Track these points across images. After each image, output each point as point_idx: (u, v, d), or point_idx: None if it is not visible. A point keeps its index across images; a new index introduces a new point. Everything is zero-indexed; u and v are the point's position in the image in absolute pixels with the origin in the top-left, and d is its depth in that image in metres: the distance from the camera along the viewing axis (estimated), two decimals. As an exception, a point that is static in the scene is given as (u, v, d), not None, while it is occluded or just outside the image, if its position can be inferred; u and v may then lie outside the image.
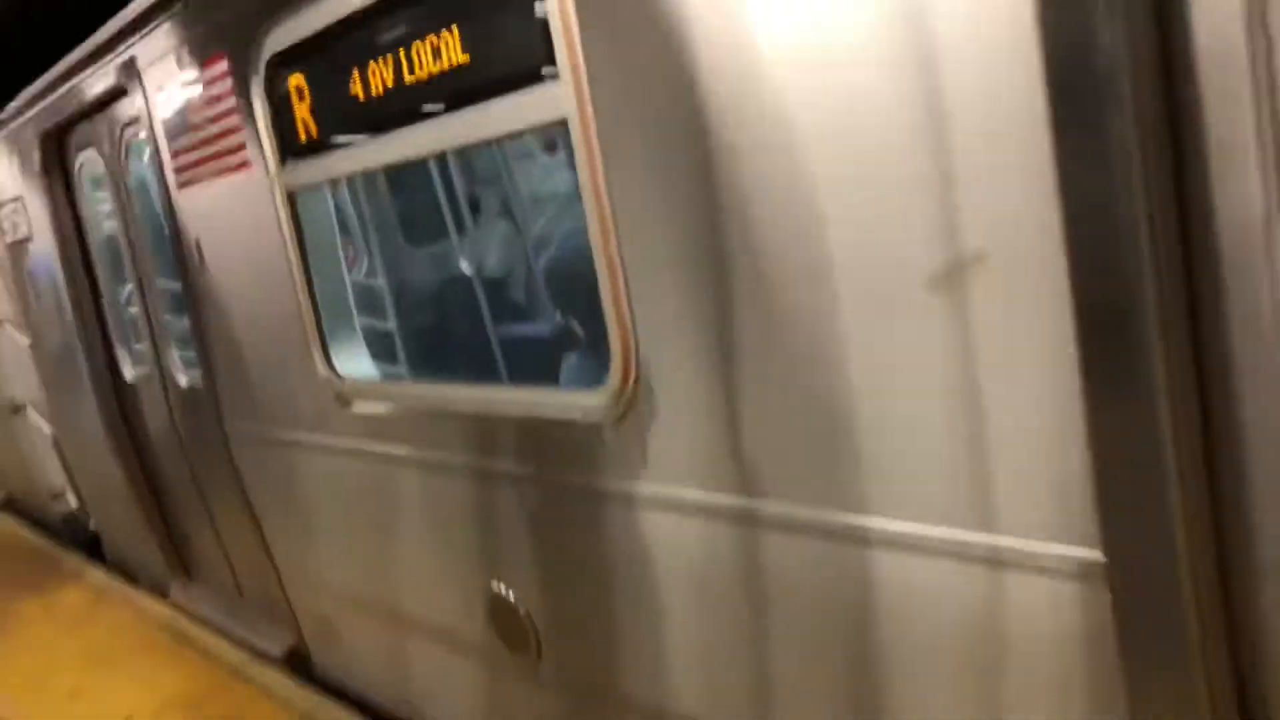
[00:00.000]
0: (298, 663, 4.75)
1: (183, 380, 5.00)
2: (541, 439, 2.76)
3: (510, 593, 3.07)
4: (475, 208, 5.48)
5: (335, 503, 3.87)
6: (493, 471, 2.96)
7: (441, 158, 4.90)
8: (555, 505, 2.79)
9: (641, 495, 2.47)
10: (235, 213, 3.86)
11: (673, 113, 2.08)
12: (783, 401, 2.05)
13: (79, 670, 5.04)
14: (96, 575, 6.41)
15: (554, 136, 4.73)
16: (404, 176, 4.99)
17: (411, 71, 2.80)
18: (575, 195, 2.37)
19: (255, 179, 3.64)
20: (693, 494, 2.33)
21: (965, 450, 1.77)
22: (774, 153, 1.92)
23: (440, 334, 5.04)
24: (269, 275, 3.76)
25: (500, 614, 3.15)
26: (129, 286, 5.57)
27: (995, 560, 1.78)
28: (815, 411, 1.99)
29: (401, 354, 4.55)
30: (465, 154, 5.00)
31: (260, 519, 4.49)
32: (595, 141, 2.27)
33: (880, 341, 1.85)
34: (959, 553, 1.83)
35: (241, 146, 3.66)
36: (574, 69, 2.27)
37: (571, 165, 2.36)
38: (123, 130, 4.80)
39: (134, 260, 5.15)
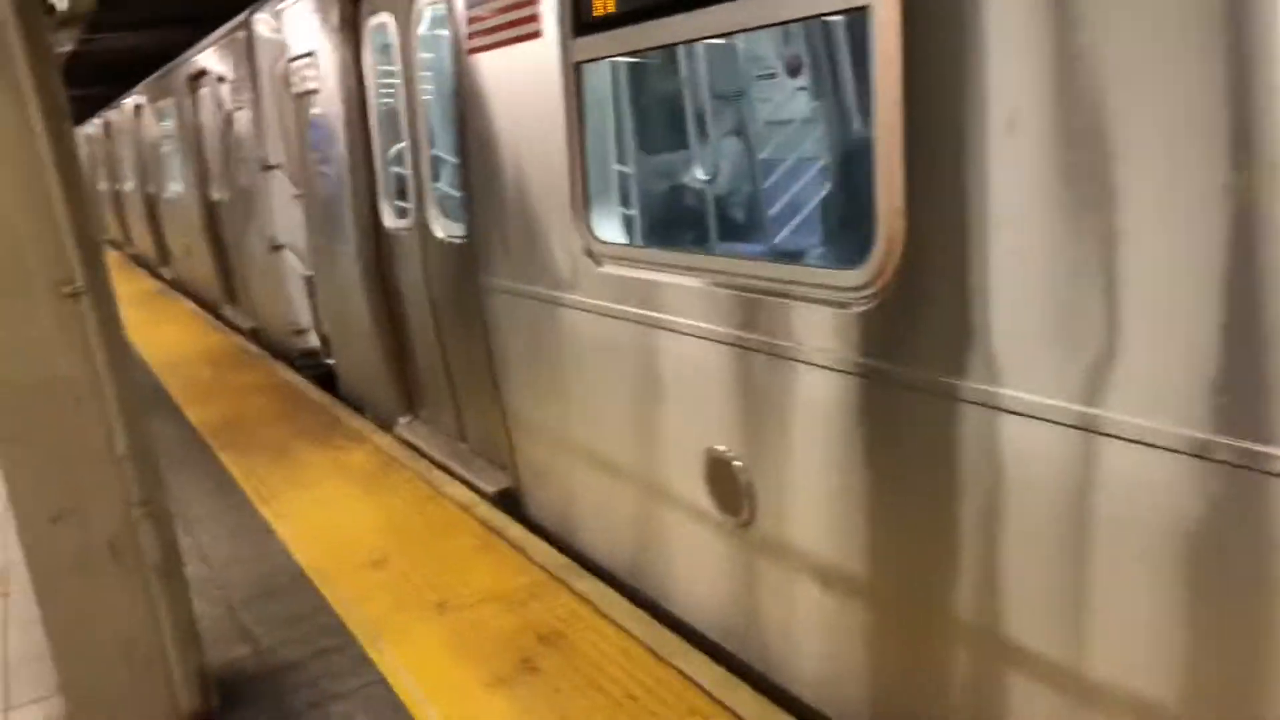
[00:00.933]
0: (510, 502, 5.24)
1: (440, 233, 5.47)
2: (790, 312, 2.95)
3: (732, 457, 3.33)
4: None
5: (572, 357, 4.22)
6: (734, 340, 3.20)
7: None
8: (792, 377, 3.00)
9: (899, 377, 2.57)
10: (521, 79, 4.19)
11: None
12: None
13: (383, 538, 4.86)
14: (381, 440, 6.45)
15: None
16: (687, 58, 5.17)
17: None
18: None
19: (544, 48, 3.95)
20: (957, 380, 2.41)
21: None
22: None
23: (693, 205, 5.30)
24: (544, 140, 4.09)
25: (718, 476, 3.43)
26: (399, 145, 6.11)
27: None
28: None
29: (652, 223, 4.78)
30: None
31: (497, 367, 4.92)
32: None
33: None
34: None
35: (535, 17, 3.97)
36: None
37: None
38: (420, -4, 5.22)
39: (411, 121, 5.61)
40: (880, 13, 2.44)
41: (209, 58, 10.09)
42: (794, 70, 8.38)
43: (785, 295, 2.94)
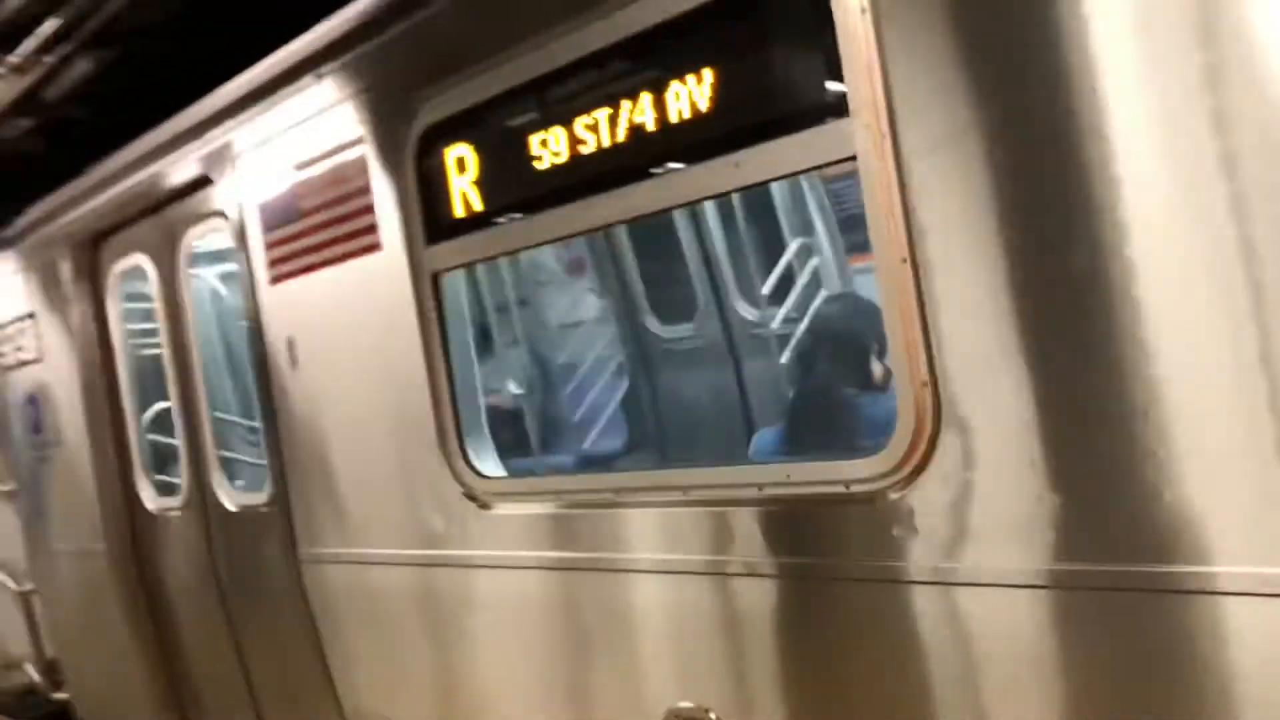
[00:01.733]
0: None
1: (231, 504, 4.51)
2: (782, 520, 2.43)
3: (710, 714, 2.66)
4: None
5: (456, 627, 3.41)
6: (705, 567, 2.60)
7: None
8: (801, 599, 2.44)
9: (942, 573, 2.12)
10: (350, 302, 3.54)
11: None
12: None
13: None
14: None
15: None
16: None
17: (628, 127, 2.58)
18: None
19: (386, 261, 3.34)
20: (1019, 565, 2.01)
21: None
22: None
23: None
24: (388, 370, 3.43)
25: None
26: (159, 407, 5.14)
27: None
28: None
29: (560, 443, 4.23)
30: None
31: (331, 659, 3.96)
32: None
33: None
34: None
35: (371, 229, 3.37)
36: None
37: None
38: (189, 228, 4.46)
39: (182, 378, 4.70)
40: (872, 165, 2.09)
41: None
42: (576, 271, 8.18)
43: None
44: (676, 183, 2.52)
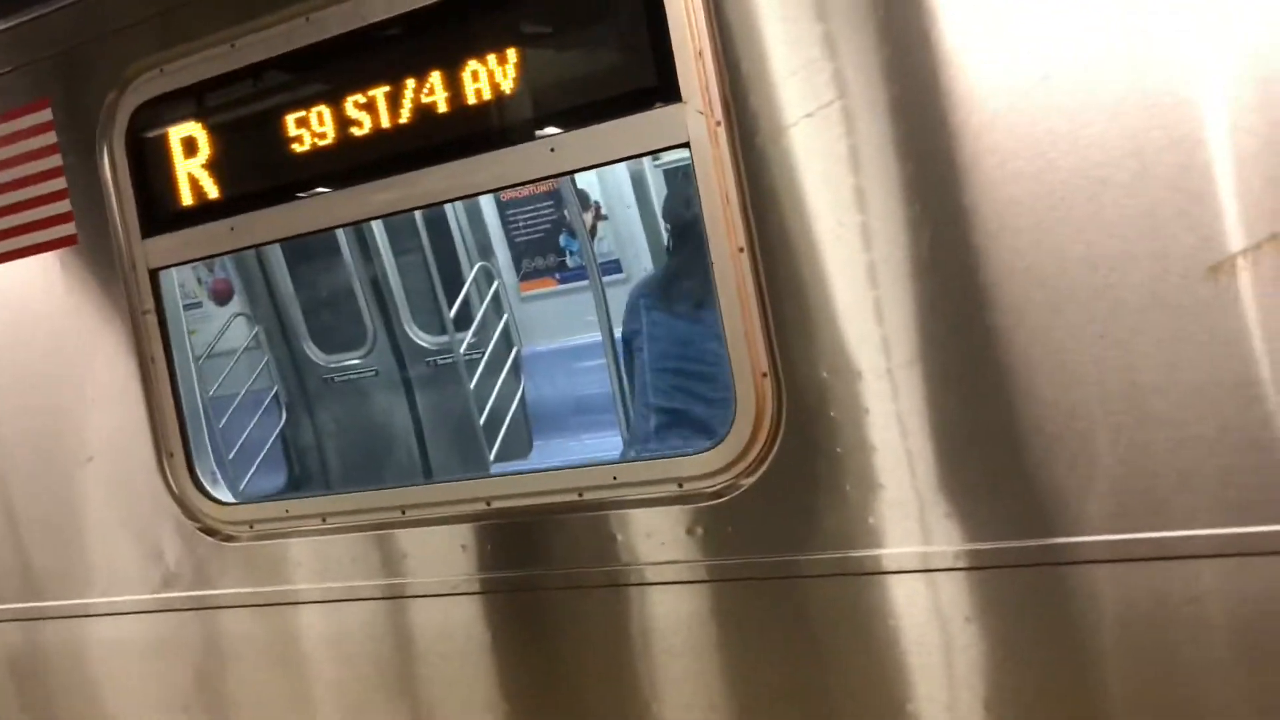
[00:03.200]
0: None
1: None
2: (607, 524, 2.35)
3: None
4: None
5: (165, 686, 2.94)
6: (510, 584, 2.46)
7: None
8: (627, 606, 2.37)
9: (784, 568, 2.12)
10: (29, 303, 2.97)
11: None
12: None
13: None
14: None
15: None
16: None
17: (417, 106, 2.40)
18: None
19: (83, 257, 2.85)
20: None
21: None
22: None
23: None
24: (84, 380, 2.91)
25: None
26: None
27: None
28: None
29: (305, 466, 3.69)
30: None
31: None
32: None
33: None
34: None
35: (63, 217, 2.85)
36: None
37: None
38: None
39: None
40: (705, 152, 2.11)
41: None
42: (222, 297, 7.51)
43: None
44: (478, 168, 2.36)
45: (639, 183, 6.48)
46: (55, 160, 2.85)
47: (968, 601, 1.97)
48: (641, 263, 6.55)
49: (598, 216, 6.90)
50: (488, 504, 2.43)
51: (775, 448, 2.08)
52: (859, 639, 2.05)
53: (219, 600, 2.77)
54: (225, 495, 2.83)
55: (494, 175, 2.40)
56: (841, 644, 2.10)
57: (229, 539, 2.76)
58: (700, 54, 2.06)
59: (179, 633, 2.86)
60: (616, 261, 6.80)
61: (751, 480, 2.11)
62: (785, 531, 2.11)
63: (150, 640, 2.92)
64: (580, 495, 2.32)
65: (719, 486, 2.15)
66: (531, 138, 2.29)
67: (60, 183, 2.85)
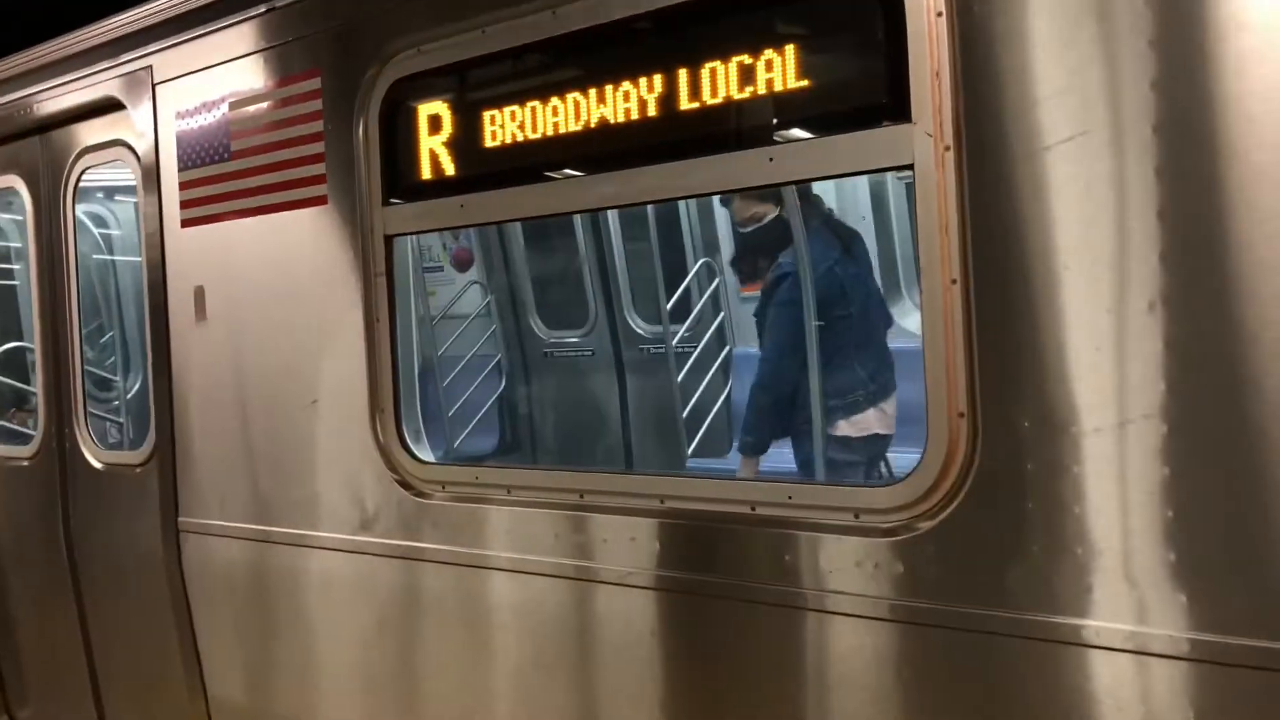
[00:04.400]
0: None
1: (97, 461, 4.07)
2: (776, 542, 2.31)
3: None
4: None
5: (358, 620, 3.15)
6: (678, 585, 2.46)
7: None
8: (785, 627, 2.32)
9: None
10: (280, 256, 3.24)
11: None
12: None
13: None
14: None
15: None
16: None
17: (648, 104, 2.43)
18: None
19: (327, 217, 3.07)
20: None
21: None
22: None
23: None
24: (319, 333, 3.15)
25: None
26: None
27: None
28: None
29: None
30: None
31: (202, 641, 3.61)
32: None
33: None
34: None
35: (318, 179, 3.09)
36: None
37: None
38: (81, 154, 4.02)
39: (59, 317, 4.23)
40: (929, 176, 2.01)
41: None
42: (462, 265, 7.92)
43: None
44: (697, 170, 2.37)
45: (877, 195, 6.31)
46: (318, 126, 3.08)
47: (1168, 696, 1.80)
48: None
49: (828, 223, 6.76)
50: (661, 501, 2.44)
51: (961, 494, 1.97)
52: (1019, 707, 1.93)
53: (407, 551, 2.94)
54: (425, 454, 2.99)
55: (710, 179, 2.40)
56: (1000, 710, 1.98)
57: (422, 495, 2.91)
58: (937, 74, 1.98)
59: (370, 575, 3.05)
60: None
61: (930, 524, 2.01)
62: (960, 582, 2.00)
63: (346, 577, 3.13)
64: (753, 509, 2.30)
65: (896, 524, 2.07)
66: (752, 145, 2.27)
67: (319, 147, 3.09)
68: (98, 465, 4.06)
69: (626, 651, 2.54)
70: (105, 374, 6.65)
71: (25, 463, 4.44)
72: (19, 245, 4.89)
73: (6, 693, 4.74)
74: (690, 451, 6.08)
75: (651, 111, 2.42)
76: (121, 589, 4.00)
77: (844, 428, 4.17)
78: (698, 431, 6.20)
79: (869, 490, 2.17)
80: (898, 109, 2.02)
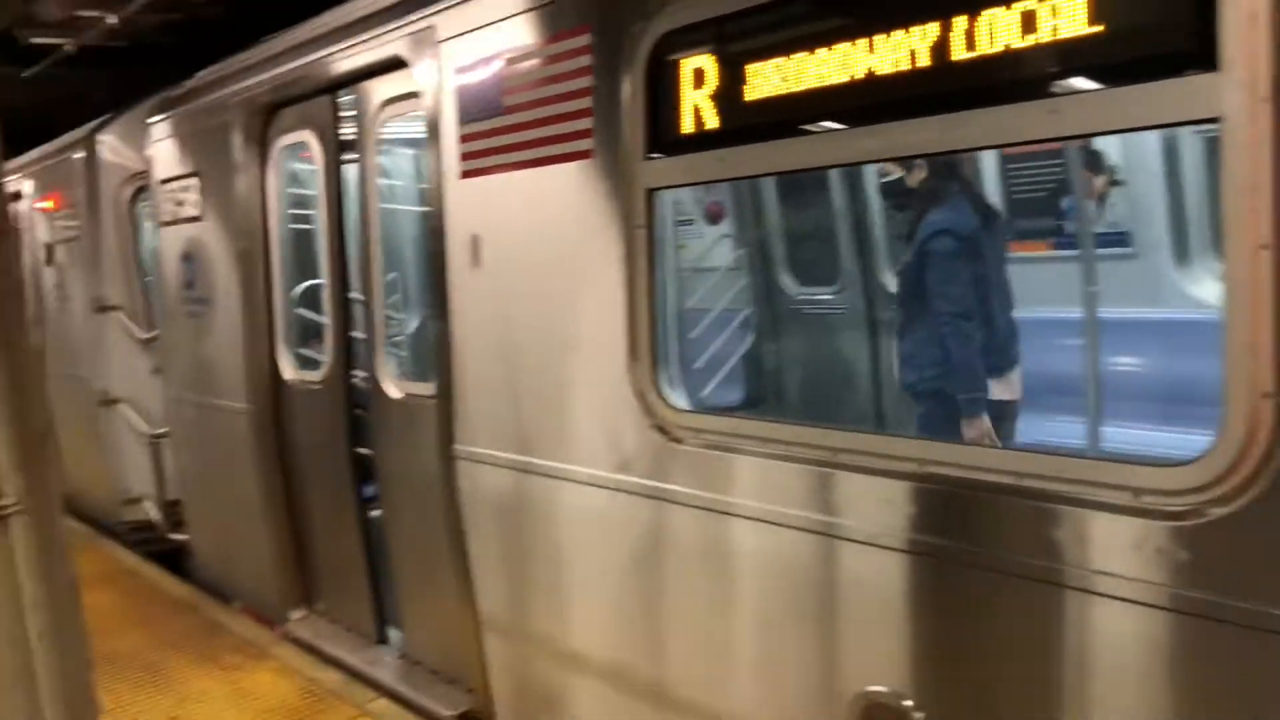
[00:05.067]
0: (473, 732, 4.12)
1: (396, 391, 4.45)
2: (1033, 518, 2.21)
3: (907, 702, 2.49)
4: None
5: (609, 552, 3.30)
6: (928, 550, 2.41)
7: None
8: (1042, 605, 2.23)
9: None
10: (548, 207, 3.39)
11: None
12: None
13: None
14: (286, 654, 5.04)
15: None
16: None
17: (920, 53, 2.34)
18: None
19: (593, 170, 3.18)
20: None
21: None
22: None
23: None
24: (583, 281, 3.28)
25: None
26: (308, 284, 5.22)
27: None
28: None
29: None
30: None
31: (473, 559, 3.90)
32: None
33: None
34: None
35: (585, 134, 3.20)
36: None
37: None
38: (380, 109, 4.36)
39: (366, 258, 4.63)
40: (1240, 131, 1.82)
41: (21, 181, 8.67)
42: (714, 218, 7.97)
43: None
44: (971, 124, 2.27)
45: (1171, 150, 5.78)
46: (586, 81, 3.19)
47: None
48: (1158, 240, 5.87)
49: (1110, 183, 6.27)
50: (920, 465, 2.39)
51: (1260, 481, 1.80)
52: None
53: (661, 493, 3.04)
54: (680, 402, 3.08)
55: (983, 133, 2.29)
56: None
57: (676, 441, 3.00)
58: (1254, 18, 1.78)
59: (624, 513, 3.18)
60: (1125, 234, 6.15)
61: (1223, 511, 1.86)
62: (1252, 576, 1.84)
63: (598, 511, 3.29)
64: (1019, 480, 2.20)
65: (1183, 508, 1.93)
66: (1032, 97, 2.13)
67: (587, 101, 3.19)
68: (396, 395, 4.44)
69: (872, 611, 2.53)
70: (389, 312, 7.27)
71: (316, 386, 4.95)
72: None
73: (308, 587, 5.35)
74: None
75: (923, 61, 2.33)
76: (406, 507, 4.39)
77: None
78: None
79: (1152, 470, 2.01)
80: (1203, 56, 1.84)
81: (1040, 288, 5.82)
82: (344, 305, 4.80)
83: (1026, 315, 6.17)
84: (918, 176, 4.54)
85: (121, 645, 5.17)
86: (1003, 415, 4.45)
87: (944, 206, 4.43)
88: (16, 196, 8.74)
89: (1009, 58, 2.15)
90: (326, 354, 4.94)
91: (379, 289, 4.50)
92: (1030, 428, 5.61)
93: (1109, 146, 6.02)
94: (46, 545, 1.80)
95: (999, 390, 4.39)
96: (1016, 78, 2.16)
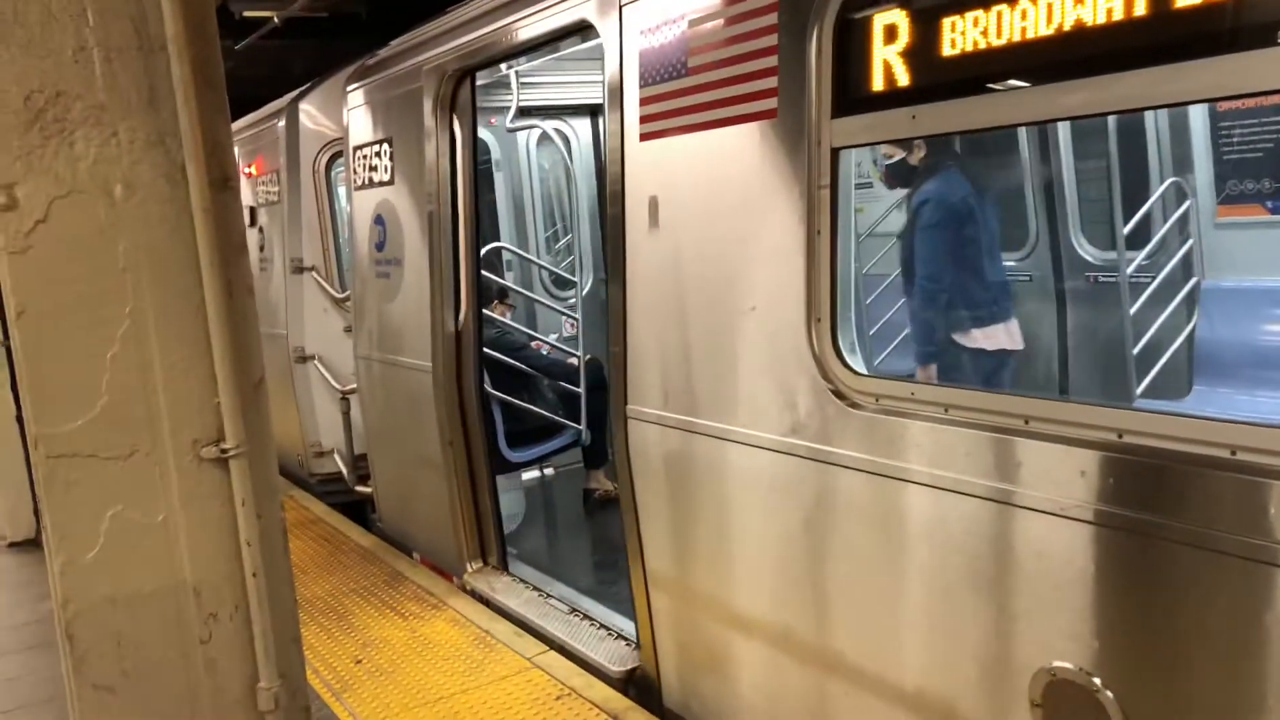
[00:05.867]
0: (640, 690, 4.20)
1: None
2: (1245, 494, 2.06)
3: (1095, 680, 2.38)
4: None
5: (779, 516, 3.28)
6: (1119, 523, 2.28)
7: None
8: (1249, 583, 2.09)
9: None
10: (729, 169, 3.36)
11: None
12: None
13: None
14: (462, 604, 5.22)
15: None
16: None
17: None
18: None
19: (779, 131, 3.12)
20: None
21: None
22: None
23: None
24: (762, 244, 3.24)
25: (1061, 705, 2.47)
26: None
27: None
28: None
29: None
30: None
31: (642, 518, 3.96)
32: None
33: None
34: None
35: (769, 93, 3.15)
36: None
37: None
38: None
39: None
40: None
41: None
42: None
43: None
44: (1189, 75, 2.10)
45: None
46: (773, 39, 3.13)
47: None
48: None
49: (1337, 140, 5.71)
50: (1119, 436, 2.26)
51: None
52: None
53: (837, 458, 2.99)
54: (860, 366, 3.01)
55: (1204, 84, 2.11)
56: None
57: (855, 406, 2.94)
58: None
59: (797, 477, 3.15)
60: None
61: None
62: None
63: (773, 475, 3.27)
64: (1233, 453, 2.05)
65: None
66: (1264, 42, 1.95)
67: (773, 60, 3.13)
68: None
69: (1063, 584, 2.42)
70: (564, 274, 7.43)
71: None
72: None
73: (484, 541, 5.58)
74: (1139, 391, 5.54)
75: (1139, 10, 2.17)
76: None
77: (978, 338, 5.03)
78: (1150, 371, 5.64)
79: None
80: None
81: (1262, 253, 5.40)
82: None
83: (1236, 284, 5.76)
84: (918, 156, 5.17)
85: (311, 591, 5.53)
86: (1004, 364, 5.15)
87: (935, 178, 5.02)
88: (226, 163, 9.35)
89: (1229, 3, 1.98)
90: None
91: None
92: (1237, 403, 5.24)
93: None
94: (262, 487, 1.93)
95: (1003, 340, 5.09)
96: (1243, 24, 1.98)
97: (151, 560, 1.85)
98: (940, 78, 2.66)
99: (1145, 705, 2.30)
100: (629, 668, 4.29)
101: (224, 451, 1.86)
